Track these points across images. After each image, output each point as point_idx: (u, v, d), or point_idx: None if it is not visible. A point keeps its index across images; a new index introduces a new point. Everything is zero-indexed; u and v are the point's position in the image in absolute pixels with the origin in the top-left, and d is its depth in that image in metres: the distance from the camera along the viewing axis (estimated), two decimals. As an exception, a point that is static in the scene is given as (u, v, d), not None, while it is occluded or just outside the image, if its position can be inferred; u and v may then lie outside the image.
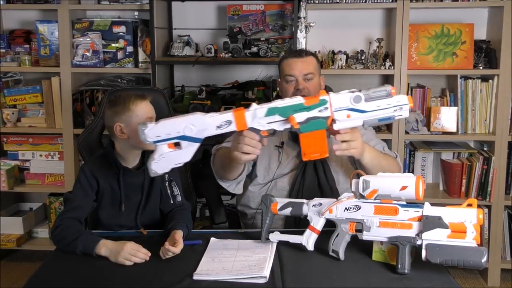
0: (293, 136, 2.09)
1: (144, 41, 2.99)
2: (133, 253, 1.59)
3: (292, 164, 2.11)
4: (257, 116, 1.58)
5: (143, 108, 1.86)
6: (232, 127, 1.59)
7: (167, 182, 1.95)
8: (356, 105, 1.54)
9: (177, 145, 1.60)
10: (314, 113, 1.55)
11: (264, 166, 2.12)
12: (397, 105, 1.53)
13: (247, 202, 2.16)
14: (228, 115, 1.58)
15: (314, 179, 2.06)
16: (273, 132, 1.61)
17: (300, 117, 1.56)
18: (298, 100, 1.57)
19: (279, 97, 2.17)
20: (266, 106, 1.58)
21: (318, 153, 1.60)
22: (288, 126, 1.57)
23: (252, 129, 1.60)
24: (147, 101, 1.89)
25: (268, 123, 1.58)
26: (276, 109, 1.57)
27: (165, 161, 1.63)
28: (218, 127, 1.59)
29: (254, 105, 1.60)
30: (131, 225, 1.90)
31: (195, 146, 1.63)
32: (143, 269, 1.53)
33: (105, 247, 1.63)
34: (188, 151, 1.63)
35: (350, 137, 1.67)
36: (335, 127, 1.58)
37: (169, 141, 1.61)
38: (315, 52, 2.99)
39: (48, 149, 3.17)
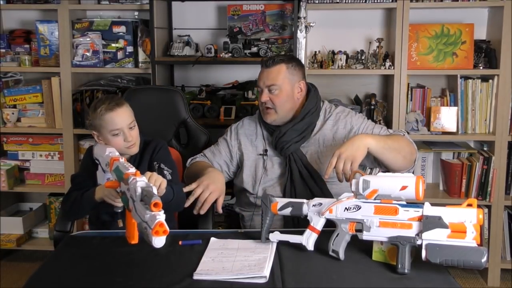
0: (274, 143, 2.08)
1: (144, 41, 2.99)
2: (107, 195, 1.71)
3: (278, 170, 2.09)
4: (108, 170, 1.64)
5: (109, 120, 1.88)
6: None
7: (156, 167, 1.94)
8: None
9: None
10: (124, 187, 1.39)
11: (249, 174, 2.11)
12: None
13: (243, 205, 2.17)
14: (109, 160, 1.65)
15: (305, 186, 2.03)
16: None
17: (123, 186, 1.41)
18: (131, 170, 1.42)
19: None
20: (116, 164, 1.54)
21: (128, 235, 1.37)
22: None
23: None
24: (116, 111, 1.88)
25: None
26: (117, 169, 1.51)
27: (99, 177, 1.84)
28: (106, 165, 1.71)
29: (121, 159, 1.59)
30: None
31: (105, 176, 1.79)
32: (143, 269, 1.53)
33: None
34: (100, 177, 1.83)
35: (336, 162, 1.75)
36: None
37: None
38: (315, 52, 3.00)
39: (48, 149, 3.18)
